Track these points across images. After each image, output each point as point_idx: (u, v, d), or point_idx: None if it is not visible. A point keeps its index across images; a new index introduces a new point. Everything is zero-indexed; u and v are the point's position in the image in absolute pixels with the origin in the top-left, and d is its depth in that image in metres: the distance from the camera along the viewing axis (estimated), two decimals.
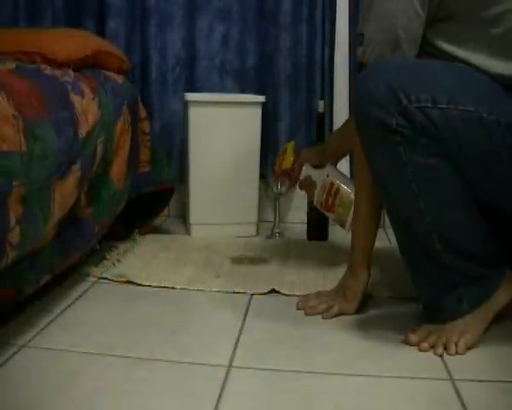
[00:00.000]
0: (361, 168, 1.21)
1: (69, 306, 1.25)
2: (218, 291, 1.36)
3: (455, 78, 1.04)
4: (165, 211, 1.99)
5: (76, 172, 1.25)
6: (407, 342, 1.09)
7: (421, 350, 1.07)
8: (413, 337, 1.09)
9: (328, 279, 1.42)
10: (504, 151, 1.01)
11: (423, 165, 1.03)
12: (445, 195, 1.05)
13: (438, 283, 1.11)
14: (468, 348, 1.07)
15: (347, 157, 1.93)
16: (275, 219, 1.88)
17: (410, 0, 1.05)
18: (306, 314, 1.24)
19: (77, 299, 1.29)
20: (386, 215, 1.95)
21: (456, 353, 1.05)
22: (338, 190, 1.48)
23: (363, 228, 1.27)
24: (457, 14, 1.08)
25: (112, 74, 1.66)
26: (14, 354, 1.02)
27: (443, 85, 1.02)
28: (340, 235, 1.72)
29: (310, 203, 1.87)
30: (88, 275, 1.43)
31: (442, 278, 1.10)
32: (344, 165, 1.93)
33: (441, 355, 1.05)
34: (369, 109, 1.03)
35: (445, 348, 1.06)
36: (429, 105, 1.00)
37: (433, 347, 1.07)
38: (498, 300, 1.11)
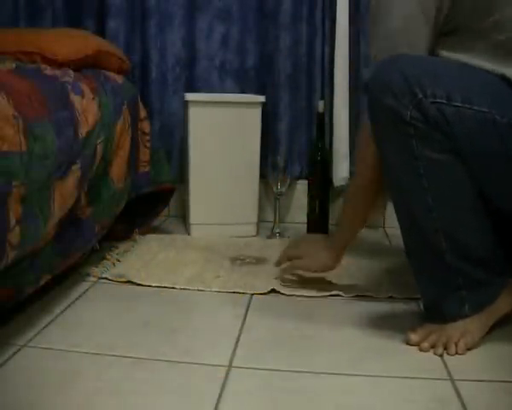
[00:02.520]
0: (362, 160, 1.23)
1: (69, 306, 1.25)
2: (218, 291, 1.36)
3: (469, 77, 1.05)
4: (165, 211, 1.99)
5: (76, 172, 1.25)
6: (408, 342, 1.09)
7: (421, 350, 1.07)
8: (413, 337, 1.09)
9: (327, 278, 1.42)
10: None
11: (434, 160, 1.03)
12: (453, 193, 1.05)
13: (441, 283, 1.10)
14: (468, 349, 1.07)
15: (347, 157, 1.93)
16: (275, 219, 1.88)
17: (415, 16, 1.07)
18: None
19: (77, 299, 1.29)
20: (386, 216, 1.97)
21: (456, 353, 1.06)
22: None
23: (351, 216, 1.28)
24: (463, 26, 1.08)
25: (112, 74, 1.66)
26: (14, 354, 1.02)
27: (458, 83, 1.03)
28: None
29: (310, 203, 1.87)
30: (88, 275, 1.43)
31: (445, 280, 1.10)
32: (344, 165, 1.93)
33: (441, 355, 1.06)
34: (384, 99, 1.03)
35: (445, 348, 1.07)
36: (444, 102, 1.00)
37: (433, 346, 1.07)
38: (500, 307, 1.11)
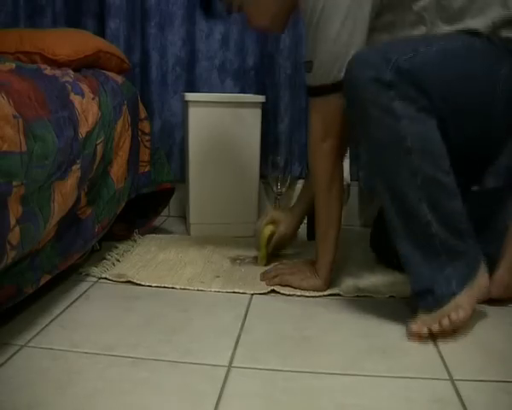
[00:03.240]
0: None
1: (69, 306, 1.25)
2: (218, 291, 1.36)
3: (423, 36, 1.23)
4: (165, 211, 1.99)
5: (76, 172, 1.25)
6: (409, 333, 1.14)
7: (421, 336, 1.12)
8: (414, 327, 1.14)
9: None
10: (474, 65, 1.18)
11: (415, 117, 1.12)
12: (433, 150, 1.13)
13: (431, 261, 1.16)
14: (461, 323, 1.14)
15: (347, 157, 1.93)
16: None
17: (351, 18, 1.20)
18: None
19: (77, 299, 1.30)
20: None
21: (451, 323, 1.12)
22: None
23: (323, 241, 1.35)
24: (393, 5, 1.23)
25: (112, 74, 1.66)
26: (14, 354, 1.02)
27: (418, 40, 1.20)
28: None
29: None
30: (88, 275, 1.43)
31: (434, 256, 1.15)
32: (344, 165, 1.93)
33: (437, 331, 1.12)
34: (365, 73, 1.13)
35: (440, 324, 1.13)
36: (412, 54, 1.14)
37: (430, 329, 1.13)
38: (480, 283, 1.17)
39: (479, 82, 1.19)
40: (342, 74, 1.20)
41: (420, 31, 1.23)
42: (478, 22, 1.20)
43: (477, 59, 1.19)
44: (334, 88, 1.23)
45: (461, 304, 1.14)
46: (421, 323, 1.14)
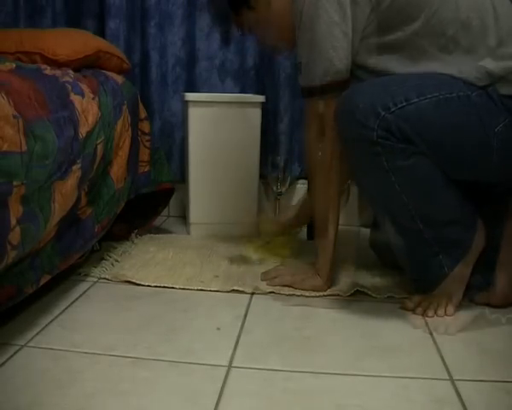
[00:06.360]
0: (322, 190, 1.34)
1: (69, 306, 1.25)
2: (218, 291, 1.36)
3: (414, 77, 1.20)
4: (165, 211, 1.99)
5: (76, 172, 1.25)
6: (404, 308, 1.26)
7: (415, 314, 1.23)
8: (409, 304, 1.26)
9: None
10: (469, 118, 1.16)
11: (402, 167, 1.16)
12: (423, 185, 1.19)
13: (422, 259, 1.25)
14: (455, 308, 1.24)
15: None
16: None
17: (336, 23, 1.20)
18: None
19: (77, 299, 1.30)
20: None
21: (445, 314, 1.22)
22: None
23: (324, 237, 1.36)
24: (383, 26, 1.22)
25: (112, 74, 1.66)
26: (14, 354, 1.02)
27: (409, 85, 1.17)
28: (338, 235, 1.72)
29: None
30: (88, 275, 1.43)
31: (425, 254, 1.24)
32: None
33: (432, 316, 1.22)
34: (352, 128, 1.16)
35: (436, 312, 1.23)
36: (404, 104, 1.14)
37: (425, 311, 1.23)
38: (472, 255, 1.24)
39: (472, 137, 1.17)
40: (329, 78, 1.22)
41: (420, 58, 1.20)
42: (471, 67, 1.16)
43: (472, 113, 1.16)
44: (324, 90, 1.23)
45: (454, 289, 1.23)
46: (416, 302, 1.25)
